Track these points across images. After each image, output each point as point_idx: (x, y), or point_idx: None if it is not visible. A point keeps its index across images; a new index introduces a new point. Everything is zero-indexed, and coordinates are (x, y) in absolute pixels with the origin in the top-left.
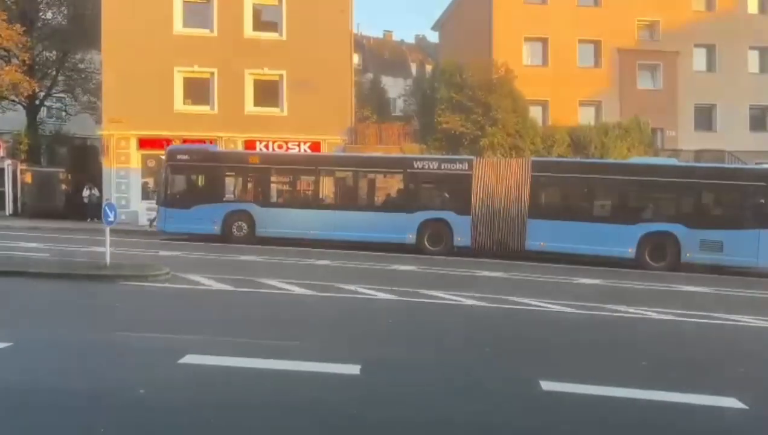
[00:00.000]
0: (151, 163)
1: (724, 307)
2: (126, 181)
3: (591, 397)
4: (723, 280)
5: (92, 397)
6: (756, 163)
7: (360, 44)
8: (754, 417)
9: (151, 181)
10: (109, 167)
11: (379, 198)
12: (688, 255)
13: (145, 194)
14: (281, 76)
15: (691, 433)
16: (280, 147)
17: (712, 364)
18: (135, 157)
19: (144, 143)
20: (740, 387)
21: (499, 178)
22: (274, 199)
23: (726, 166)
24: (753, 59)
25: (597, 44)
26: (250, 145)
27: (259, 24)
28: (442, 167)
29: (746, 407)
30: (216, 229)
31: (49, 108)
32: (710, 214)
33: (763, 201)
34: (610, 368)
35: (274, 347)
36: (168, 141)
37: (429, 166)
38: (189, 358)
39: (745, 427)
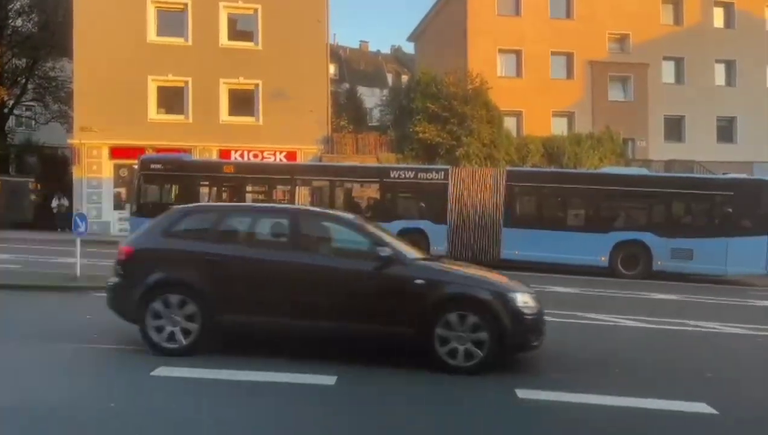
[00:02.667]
0: (124, 173)
1: (693, 313)
2: (97, 191)
3: (564, 404)
4: (691, 288)
5: (62, 409)
6: (723, 174)
7: (336, 54)
8: (724, 422)
9: (123, 191)
10: (81, 177)
11: (356, 208)
12: (659, 263)
13: (117, 204)
14: (257, 85)
15: None
16: (255, 156)
17: (680, 370)
18: (107, 166)
19: (116, 152)
20: (710, 392)
21: (475, 187)
22: None
23: (695, 175)
24: (719, 72)
25: (569, 56)
26: (225, 154)
27: (235, 33)
28: (419, 177)
29: (716, 412)
30: None
31: (18, 116)
32: (680, 223)
33: (730, 210)
34: (582, 375)
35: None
36: (141, 150)
37: (405, 176)
38: (162, 370)
39: (716, 433)
